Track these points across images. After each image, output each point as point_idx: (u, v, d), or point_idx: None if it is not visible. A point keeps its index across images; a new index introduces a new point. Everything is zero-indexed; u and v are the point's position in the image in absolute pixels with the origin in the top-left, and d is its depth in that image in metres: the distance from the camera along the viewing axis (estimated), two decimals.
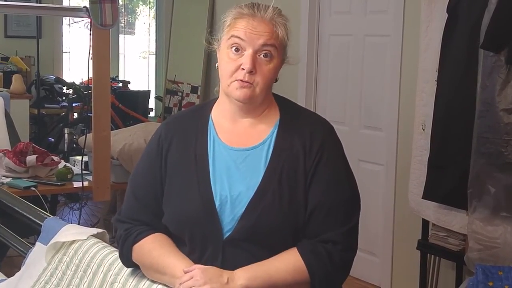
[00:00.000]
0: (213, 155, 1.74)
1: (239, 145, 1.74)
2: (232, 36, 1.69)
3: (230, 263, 1.67)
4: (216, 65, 1.78)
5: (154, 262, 1.72)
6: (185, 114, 1.89)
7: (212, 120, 1.79)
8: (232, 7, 1.75)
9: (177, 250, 1.73)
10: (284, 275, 1.64)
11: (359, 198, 1.77)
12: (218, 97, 1.81)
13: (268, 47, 1.68)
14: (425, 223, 3.43)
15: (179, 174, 1.75)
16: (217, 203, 1.70)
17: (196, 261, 1.70)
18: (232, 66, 1.69)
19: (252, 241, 1.67)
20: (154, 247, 1.73)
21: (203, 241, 1.71)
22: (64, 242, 2.09)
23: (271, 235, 1.67)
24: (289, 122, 1.76)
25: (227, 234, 1.69)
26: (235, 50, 1.69)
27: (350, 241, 1.70)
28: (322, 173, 1.70)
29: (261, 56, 1.68)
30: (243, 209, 1.68)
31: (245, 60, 1.67)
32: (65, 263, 2.04)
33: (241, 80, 1.67)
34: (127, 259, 1.79)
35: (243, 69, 1.67)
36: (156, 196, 1.77)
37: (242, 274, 1.62)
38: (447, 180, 3.04)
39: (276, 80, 1.76)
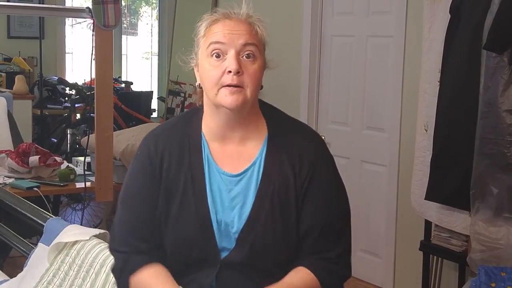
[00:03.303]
0: (209, 177, 1.68)
1: (230, 170, 1.68)
2: (211, 43, 1.61)
3: (223, 284, 1.66)
4: (197, 84, 1.70)
5: None
6: (172, 127, 1.75)
7: (204, 138, 1.71)
8: (204, 16, 1.68)
9: (174, 284, 1.65)
10: None
11: (349, 214, 1.74)
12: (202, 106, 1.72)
13: (249, 46, 1.61)
14: (428, 224, 3.43)
15: (175, 195, 1.67)
16: (214, 227, 1.66)
17: (186, 277, 1.67)
18: (216, 72, 1.60)
19: (247, 264, 1.65)
20: (151, 283, 1.64)
21: (199, 263, 1.67)
22: (66, 243, 2.09)
23: (265, 258, 1.65)
24: (277, 140, 1.70)
25: (223, 256, 1.66)
26: (216, 56, 1.61)
27: (344, 262, 1.69)
28: (313, 193, 1.67)
29: (244, 57, 1.61)
30: (237, 234, 1.65)
31: (230, 62, 1.59)
32: (68, 264, 2.04)
33: (229, 85, 1.58)
34: None
35: (230, 72, 1.58)
36: (157, 215, 1.68)
37: None
38: (450, 181, 3.04)
39: (261, 88, 1.67)
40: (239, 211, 1.66)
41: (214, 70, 1.60)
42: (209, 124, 1.70)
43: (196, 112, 1.75)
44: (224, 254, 1.66)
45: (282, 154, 1.68)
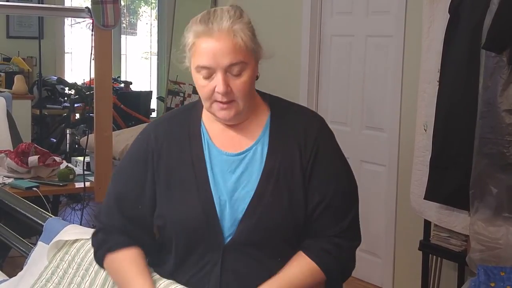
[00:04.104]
0: (210, 159, 1.72)
1: (232, 150, 1.72)
2: (197, 66, 1.64)
3: (230, 268, 1.67)
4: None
5: (119, 282, 1.73)
6: (174, 116, 1.83)
7: (204, 124, 1.76)
8: (190, 22, 1.69)
9: (145, 272, 1.70)
10: (302, 279, 1.64)
11: (356, 186, 1.77)
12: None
13: (235, 65, 1.62)
14: (427, 224, 3.43)
15: (176, 180, 1.72)
16: (217, 209, 1.68)
17: (192, 265, 1.69)
18: (206, 91, 1.64)
19: (253, 244, 1.67)
20: (122, 266, 1.72)
21: (202, 247, 1.69)
22: (66, 241, 2.09)
23: (272, 236, 1.67)
24: (280, 120, 1.74)
25: (228, 239, 1.68)
26: (204, 76, 1.64)
27: (354, 232, 1.72)
28: (319, 168, 1.70)
29: (232, 73, 1.63)
30: (243, 212, 1.67)
31: (218, 83, 1.62)
32: (67, 262, 2.03)
33: (221, 102, 1.64)
34: (99, 262, 1.81)
35: (219, 92, 1.63)
36: (141, 203, 1.74)
37: None
38: (449, 181, 3.04)
39: (257, 78, 1.71)
40: (244, 190, 1.68)
41: (204, 88, 1.65)
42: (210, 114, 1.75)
43: (197, 102, 1.80)
44: (228, 239, 1.67)
45: (286, 132, 1.72)
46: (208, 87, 1.64)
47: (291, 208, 1.67)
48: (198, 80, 1.66)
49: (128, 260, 1.72)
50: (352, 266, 1.74)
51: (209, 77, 1.63)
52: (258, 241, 1.66)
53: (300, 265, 1.65)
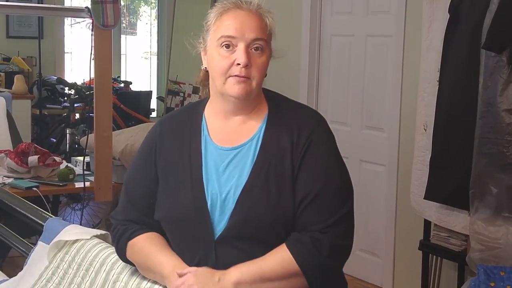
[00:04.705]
0: (206, 154, 1.75)
1: (228, 144, 1.74)
2: (221, 36, 1.68)
3: (222, 262, 1.68)
4: (203, 68, 1.78)
5: (144, 260, 1.76)
6: (180, 113, 1.89)
7: (205, 119, 1.79)
8: (215, 7, 1.73)
9: (168, 248, 1.76)
10: (273, 266, 1.63)
11: (350, 187, 1.74)
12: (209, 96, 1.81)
13: (259, 41, 1.67)
14: (427, 224, 3.43)
15: (174, 174, 1.76)
16: (208, 203, 1.70)
17: (188, 261, 1.70)
18: (225, 63, 1.67)
19: (244, 238, 1.68)
20: (145, 245, 1.76)
21: (194, 241, 1.72)
22: (66, 241, 2.09)
23: (261, 231, 1.67)
24: (277, 116, 1.75)
25: (219, 234, 1.69)
26: (225, 47, 1.67)
27: (341, 230, 1.66)
28: (308, 162, 1.69)
29: (253, 49, 1.68)
30: (233, 206, 1.68)
31: (239, 55, 1.65)
32: (67, 262, 2.04)
33: (238, 76, 1.66)
34: (122, 255, 1.84)
35: (238, 64, 1.66)
36: (150, 197, 1.79)
37: (233, 270, 1.63)
38: (449, 181, 3.04)
39: (265, 75, 1.74)
40: (235, 184, 1.70)
41: (223, 61, 1.68)
42: (214, 106, 1.78)
43: (201, 100, 1.85)
44: (219, 233, 1.69)
45: (281, 129, 1.73)
46: (228, 59, 1.67)
47: (280, 204, 1.67)
48: (217, 54, 1.69)
49: (149, 239, 1.77)
50: (336, 263, 1.68)
51: (229, 47, 1.67)
52: (248, 235, 1.67)
53: (275, 253, 1.65)
